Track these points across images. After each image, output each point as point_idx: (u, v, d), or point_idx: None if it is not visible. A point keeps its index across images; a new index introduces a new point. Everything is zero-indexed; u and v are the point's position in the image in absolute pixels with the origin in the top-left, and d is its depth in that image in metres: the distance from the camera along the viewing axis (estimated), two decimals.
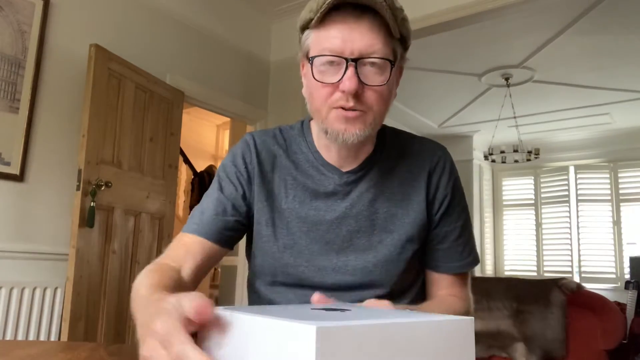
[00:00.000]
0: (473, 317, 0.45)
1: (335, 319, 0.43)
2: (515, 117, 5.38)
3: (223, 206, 0.88)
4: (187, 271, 0.81)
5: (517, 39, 3.99)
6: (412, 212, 0.88)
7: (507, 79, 4.81)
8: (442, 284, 0.92)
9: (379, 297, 0.87)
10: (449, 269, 0.91)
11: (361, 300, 0.86)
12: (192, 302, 0.44)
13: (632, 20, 3.61)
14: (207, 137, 6.24)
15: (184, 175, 5.48)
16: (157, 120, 2.98)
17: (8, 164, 2.39)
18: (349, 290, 0.86)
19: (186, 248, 0.84)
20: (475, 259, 0.93)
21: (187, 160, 5.30)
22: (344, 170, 0.87)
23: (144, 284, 0.71)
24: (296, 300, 0.87)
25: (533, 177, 7.07)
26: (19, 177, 2.42)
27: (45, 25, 2.56)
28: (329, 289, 0.86)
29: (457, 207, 0.92)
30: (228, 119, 4.50)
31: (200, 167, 5.38)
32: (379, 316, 0.46)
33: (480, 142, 6.81)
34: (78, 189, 2.37)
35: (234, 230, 0.88)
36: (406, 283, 0.90)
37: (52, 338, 2.47)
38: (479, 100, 5.48)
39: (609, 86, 4.94)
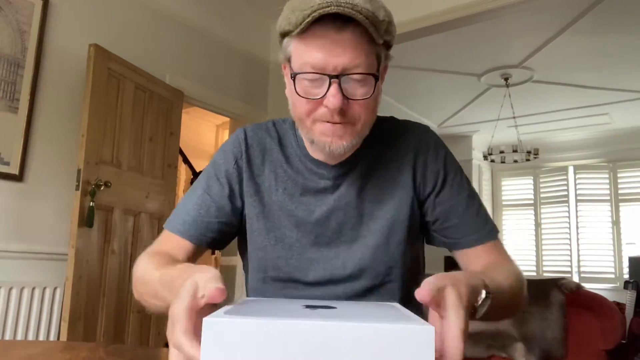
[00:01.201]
0: (433, 327, 0.41)
1: (284, 315, 0.43)
2: (514, 117, 5.38)
3: (207, 207, 0.88)
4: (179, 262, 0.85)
5: (516, 39, 3.99)
6: (397, 195, 0.87)
7: (506, 79, 4.81)
8: (475, 260, 0.86)
9: (373, 287, 0.87)
10: (470, 242, 0.86)
11: (356, 292, 0.86)
12: (207, 290, 0.50)
13: (632, 20, 3.62)
14: (206, 137, 6.24)
15: (183, 175, 5.47)
16: (157, 120, 2.98)
17: (7, 163, 2.39)
18: (341, 282, 0.86)
19: (173, 244, 0.88)
20: (494, 228, 0.88)
21: (186, 160, 5.30)
22: (332, 164, 0.86)
23: (150, 267, 0.77)
24: (287, 296, 0.87)
25: (532, 177, 7.08)
26: (19, 177, 2.42)
27: (45, 25, 2.56)
28: (321, 282, 0.86)
29: (456, 179, 0.89)
30: (228, 119, 4.50)
31: (199, 167, 5.38)
32: (338, 317, 0.45)
33: (479, 142, 6.81)
34: (77, 188, 2.37)
35: (217, 232, 0.89)
36: (403, 270, 0.88)
37: (52, 338, 2.47)
38: (478, 100, 5.49)
39: (608, 86, 4.95)
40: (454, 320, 0.50)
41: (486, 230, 0.87)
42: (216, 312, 0.45)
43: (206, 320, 0.41)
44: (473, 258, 0.87)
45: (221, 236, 0.90)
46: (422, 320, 0.44)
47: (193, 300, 0.50)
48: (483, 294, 0.61)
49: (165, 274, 0.68)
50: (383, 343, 0.40)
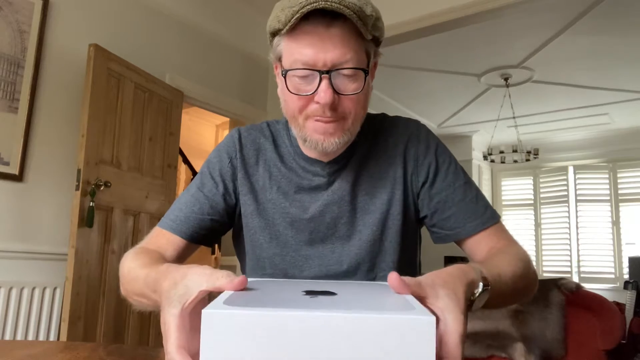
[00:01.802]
0: (434, 317, 0.41)
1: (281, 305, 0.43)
2: (514, 117, 5.38)
3: (200, 204, 0.89)
4: (168, 259, 0.85)
5: (516, 39, 3.99)
6: (389, 188, 0.87)
7: (506, 79, 4.81)
8: (478, 247, 0.85)
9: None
10: (470, 229, 0.85)
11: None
12: (218, 282, 0.51)
13: (631, 20, 3.62)
14: (206, 137, 6.24)
15: (183, 175, 5.48)
16: (157, 120, 2.98)
17: (7, 163, 2.39)
18: (337, 278, 0.87)
19: (163, 240, 0.88)
20: (495, 213, 0.87)
21: (186, 160, 5.30)
22: (326, 161, 0.87)
23: (135, 265, 0.76)
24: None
25: (532, 177, 7.08)
26: (18, 177, 2.42)
27: (45, 25, 2.56)
28: (317, 278, 0.87)
29: (450, 168, 0.88)
30: (227, 119, 4.50)
31: (199, 167, 5.36)
32: (339, 306, 0.44)
33: (479, 143, 6.82)
34: (77, 188, 2.37)
35: (209, 230, 0.89)
36: (399, 265, 0.88)
37: (52, 338, 2.47)
38: (478, 100, 5.49)
39: (608, 86, 4.95)
40: (452, 325, 0.49)
41: (486, 215, 0.86)
42: (215, 301, 0.45)
43: (205, 312, 0.41)
44: (476, 245, 0.86)
45: (212, 233, 0.91)
46: (423, 308, 0.44)
47: (183, 308, 0.51)
48: (480, 287, 0.60)
49: (148, 274, 0.68)
50: (383, 333, 0.40)
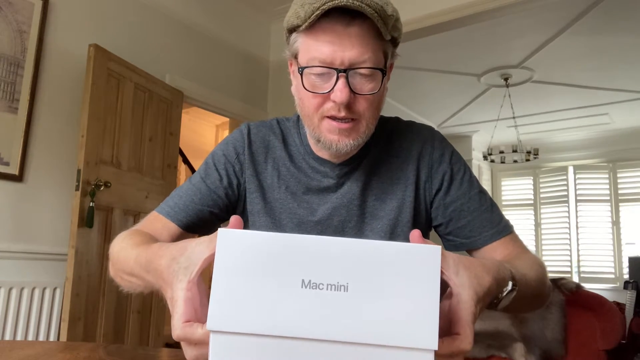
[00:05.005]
0: (440, 246, 0.43)
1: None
2: (514, 118, 5.38)
3: (201, 195, 0.88)
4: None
5: (516, 39, 3.99)
6: (400, 195, 0.86)
7: (506, 79, 4.81)
8: (492, 255, 0.84)
9: None
10: (487, 238, 0.84)
11: None
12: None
13: (631, 20, 3.62)
14: (206, 137, 6.23)
15: (183, 175, 5.47)
16: (157, 120, 2.98)
17: (7, 164, 2.39)
18: None
19: (159, 225, 0.87)
20: (509, 223, 0.87)
21: (186, 160, 5.30)
22: (337, 162, 0.86)
23: (126, 245, 0.75)
24: None
25: (532, 178, 7.08)
26: (18, 177, 2.42)
27: (45, 25, 2.56)
28: None
29: (465, 177, 0.87)
30: (227, 119, 4.50)
31: (199, 167, 5.37)
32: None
33: (479, 143, 6.81)
34: (77, 189, 2.37)
35: (206, 221, 0.89)
36: None
37: (51, 338, 2.47)
38: (478, 100, 5.49)
39: (608, 86, 4.95)
40: (466, 302, 0.50)
41: (502, 225, 0.85)
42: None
43: (221, 230, 0.42)
44: (491, 254, 0.84)
45: (208, 225, 0.90)
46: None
47: (190, 280, 0.51)
48: (509, 285, 0.60)
49: (140, 254, 0.67)
50: (391, 259, 0.41)
